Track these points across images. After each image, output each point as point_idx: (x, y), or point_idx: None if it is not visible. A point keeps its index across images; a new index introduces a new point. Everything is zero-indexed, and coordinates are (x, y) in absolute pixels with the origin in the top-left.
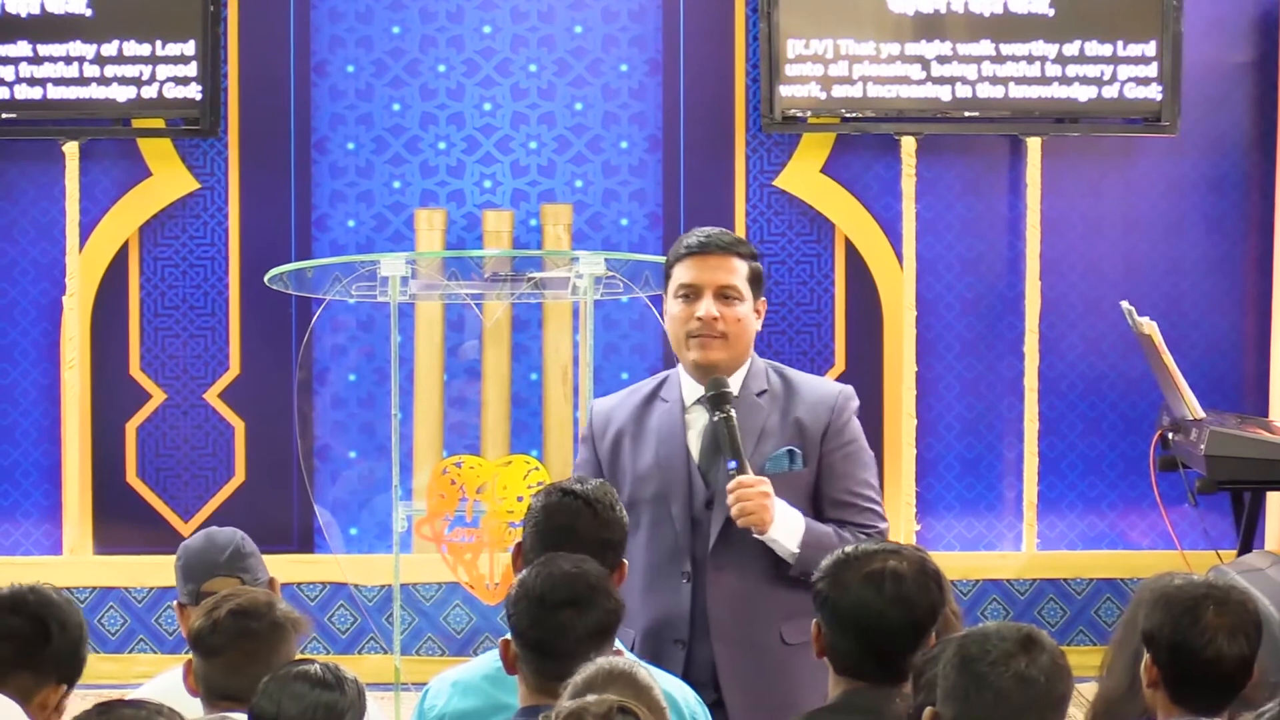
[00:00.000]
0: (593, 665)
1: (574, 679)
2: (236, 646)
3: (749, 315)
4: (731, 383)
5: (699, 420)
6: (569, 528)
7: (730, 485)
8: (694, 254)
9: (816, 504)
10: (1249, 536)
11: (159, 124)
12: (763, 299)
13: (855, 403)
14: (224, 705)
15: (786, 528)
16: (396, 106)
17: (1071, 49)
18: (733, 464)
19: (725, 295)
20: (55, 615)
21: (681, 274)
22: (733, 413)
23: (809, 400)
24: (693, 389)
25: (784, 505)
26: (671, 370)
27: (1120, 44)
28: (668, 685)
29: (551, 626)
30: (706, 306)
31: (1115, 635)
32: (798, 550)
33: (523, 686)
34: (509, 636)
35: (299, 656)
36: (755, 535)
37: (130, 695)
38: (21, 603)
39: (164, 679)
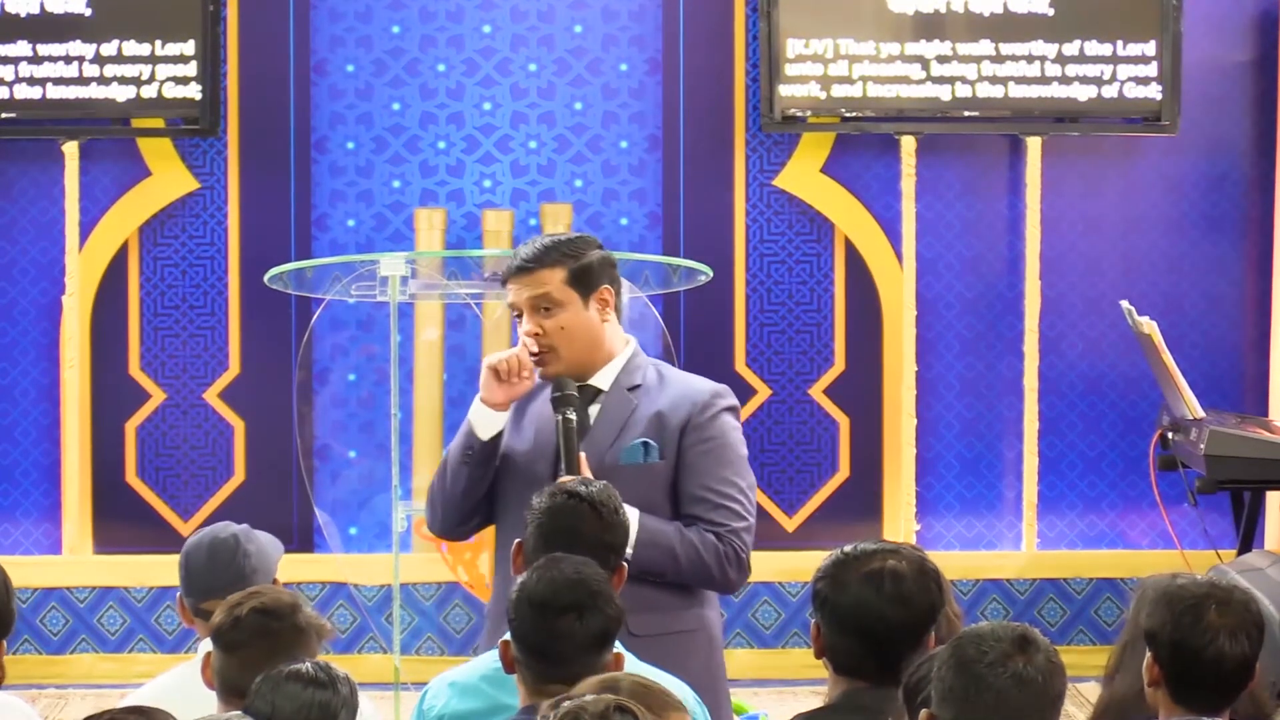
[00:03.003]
0: (605, 675)
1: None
2: (255, 644)
3: (576, 320)
4: (601, 379)
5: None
6: (572, 528)
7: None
8: (509, 278)
9: (676, 500)
10: (1249, 536)
11: (159, 124)
12: (603, 287)
13: (726, 402)
14: (237, 702)
15: None
16: (396, 106)
17: (1071, 49)
18: (563, 467)
19: (541, 308)
20: None
21: (508, 297)
22: (571, 415)
23: (674, 395)
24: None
25: None
26: None
27: (1120, 44)
28: (670, 688)
29: (553, 633)
30: (527, 324)
31: (1122, 636)
32: (630, 550)
33: (521, 687)
34: (508, 638)
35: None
36: None
37: (133, 694)
38: None
39: (169, 677)
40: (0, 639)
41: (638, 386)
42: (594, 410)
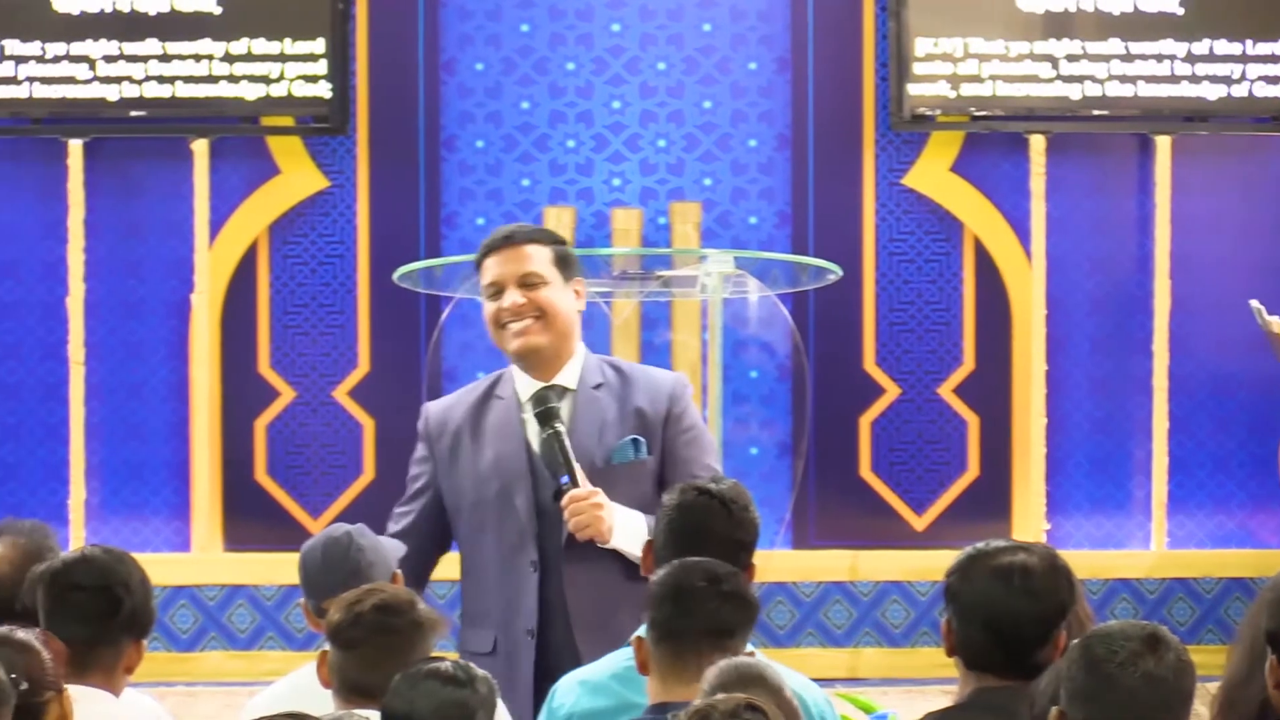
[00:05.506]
0: (729, 664)
1: (707, 676)
2: (375, 641)
3: (561, 296)
4: (566, 377)
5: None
6: (703, 526)
7: (563, 501)
8: (491, 252)
9: (663, 491)
10: None
11: (288, 122)
12: (578, 279)
13: (691, 389)
14: (356, 700)
15: (628, 533)
16: (525, 104)
17: (1201, 48)
18: (564, 479)
19: (528, 283)
20: (119, 580)
21: (485, 274)
22: (561, 428)
23: (646, 389)
24: (526, 384)
25: (624, 511)
26: (506, 369)
27: (1249, 43)
28: (797, 686)
29: (691, 612)
30: (511, 298)
31: (1239, 632)
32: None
33: (654, 683)
34: (643, 634)
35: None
36: (599, 545)
37: (263, 693)
38: (84, 579)
39: (297, 676)
40: (139, 639)
41: (600, 385)
42: (565, 410)
